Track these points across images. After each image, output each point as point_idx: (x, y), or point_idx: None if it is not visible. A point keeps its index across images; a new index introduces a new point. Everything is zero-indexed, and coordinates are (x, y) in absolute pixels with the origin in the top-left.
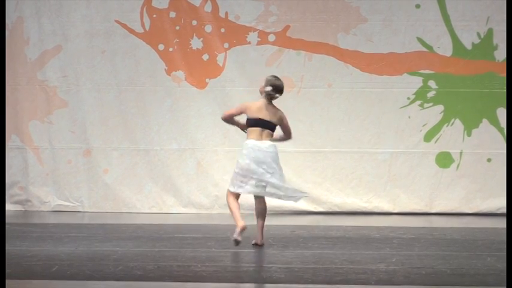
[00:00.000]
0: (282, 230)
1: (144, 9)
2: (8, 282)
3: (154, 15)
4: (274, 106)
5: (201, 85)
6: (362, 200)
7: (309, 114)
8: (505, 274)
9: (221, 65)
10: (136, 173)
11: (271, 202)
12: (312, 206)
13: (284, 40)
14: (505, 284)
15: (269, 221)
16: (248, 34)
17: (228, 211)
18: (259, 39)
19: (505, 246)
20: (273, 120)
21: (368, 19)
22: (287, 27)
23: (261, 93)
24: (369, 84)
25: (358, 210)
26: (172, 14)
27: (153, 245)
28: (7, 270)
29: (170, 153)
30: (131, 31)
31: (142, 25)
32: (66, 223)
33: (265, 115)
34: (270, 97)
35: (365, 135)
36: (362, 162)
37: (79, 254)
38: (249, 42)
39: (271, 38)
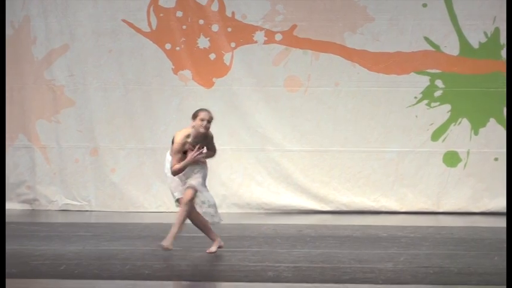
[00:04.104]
0: (290, 229)
1: (151, 8)
2: (15, 281)
3: (161, 15)
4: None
5: (208, 84)
6: (369, 199)
7: (316, 114)
8: None
9: (228, 64)
10: (144, 172)
11: (279, 201)
12: (319, 205)
13: (291, 39)
14: None
15: (277, 221)
16: (255, 33)
17: (235, 210)
18: (266, 39)
19: None
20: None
21: (375, 18)
22: (294, 27)
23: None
24: (376, 83)
25: (366, 210)
26: (179, 13)
27: (161, 244)
28: (14, 270)
29: None
30: (138, 30)
31: (149, 24)
32: (73, 222)
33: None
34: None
35: (372, 135)
36: (369, 161)
37: (87, 253)
38: (256, 42)
39: (278, 37)
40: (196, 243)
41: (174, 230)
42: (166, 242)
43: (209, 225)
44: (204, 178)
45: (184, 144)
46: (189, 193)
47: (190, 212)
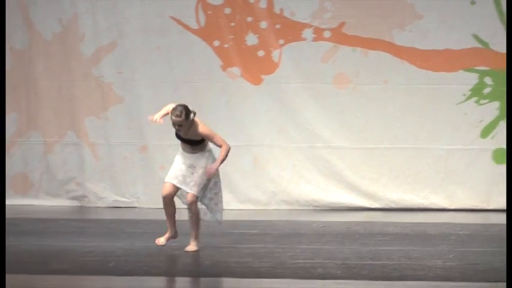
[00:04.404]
0: (338, 226)
1: (199, 5)
2: (65, 277)
3: (209, 12)
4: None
5: (257, 81)
6: (419, 196)
7: (365, 111)
8: None
9: (276, 61)
10: None
11: (328, 198)
12: (368, 202)
13: (339, 36)
14: None
15: (326, 218)
16: (303, 30)
17: (284, 207)
18: (315, 36)
19: None
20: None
21: (423, 15)
22: (342, 24)
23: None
24: (425, 80)
25: (415, 207)
26: (227, 10)
27: (210, 241)
28: (64, 266)
29: None
30: (186, 27)
31: (197, 21)
32: (122, 219)
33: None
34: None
35: (421, 132)
36: (418, 158)
37: (136, 250)
38: (304, 39)
39: (327, 34)
40: (245, 240)
41: (193, 233)
42: (192, 247)
43: (175, 217)
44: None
45: (166, 114)
46: (190, 198)
47: (198, 211)
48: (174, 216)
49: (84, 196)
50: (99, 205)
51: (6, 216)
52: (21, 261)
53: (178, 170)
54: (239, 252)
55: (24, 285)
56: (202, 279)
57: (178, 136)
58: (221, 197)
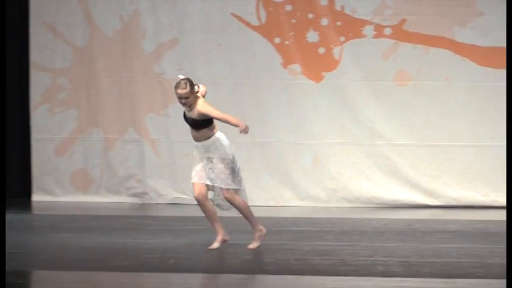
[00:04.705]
0: (399, 224)
1: (260, 2)
2: (125, 274)
3: (271, 9)
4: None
5: (317, 78)
6: (480, 193)
7: (426, 108)
8: None
9: (337, 58)
10: (253, 166)
11: (388, 195)
12: (429, 200)
13: (400, 33)
14: None
15: (386, 215)
16: (364, 27)
17: (345, 204)
18: (375, 33)
19: None
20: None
21: (484, 12)
22: (403, 21)
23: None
24: (486, 78)
25: (476, 204)
26: (289, 7)
27: (270, 238)
28: (125, 263)
29: (287, 146)
30: (247, 24)
31: (258, 18)
32: (183, 216)
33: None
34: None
35: (482, 129)
36: (479, 155)
37: (196, 247)
38: (365, 36)
39: (388, 31)
40: (305, 237)
41: (252, 224)
42: (254, 244)
43: (216, 216)
44: (225, 161)
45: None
46: (225, 194)
47: (243, 202)
48: (216, 215)
49: (144, 193)
50: (159, 202)
51: (66, 213)
52: (82, 259)
53: (197, 166)
54: (299, 249)
55: (84, 282)
56: (262, 276)
57: (184, 117)
58: (243, 184)
